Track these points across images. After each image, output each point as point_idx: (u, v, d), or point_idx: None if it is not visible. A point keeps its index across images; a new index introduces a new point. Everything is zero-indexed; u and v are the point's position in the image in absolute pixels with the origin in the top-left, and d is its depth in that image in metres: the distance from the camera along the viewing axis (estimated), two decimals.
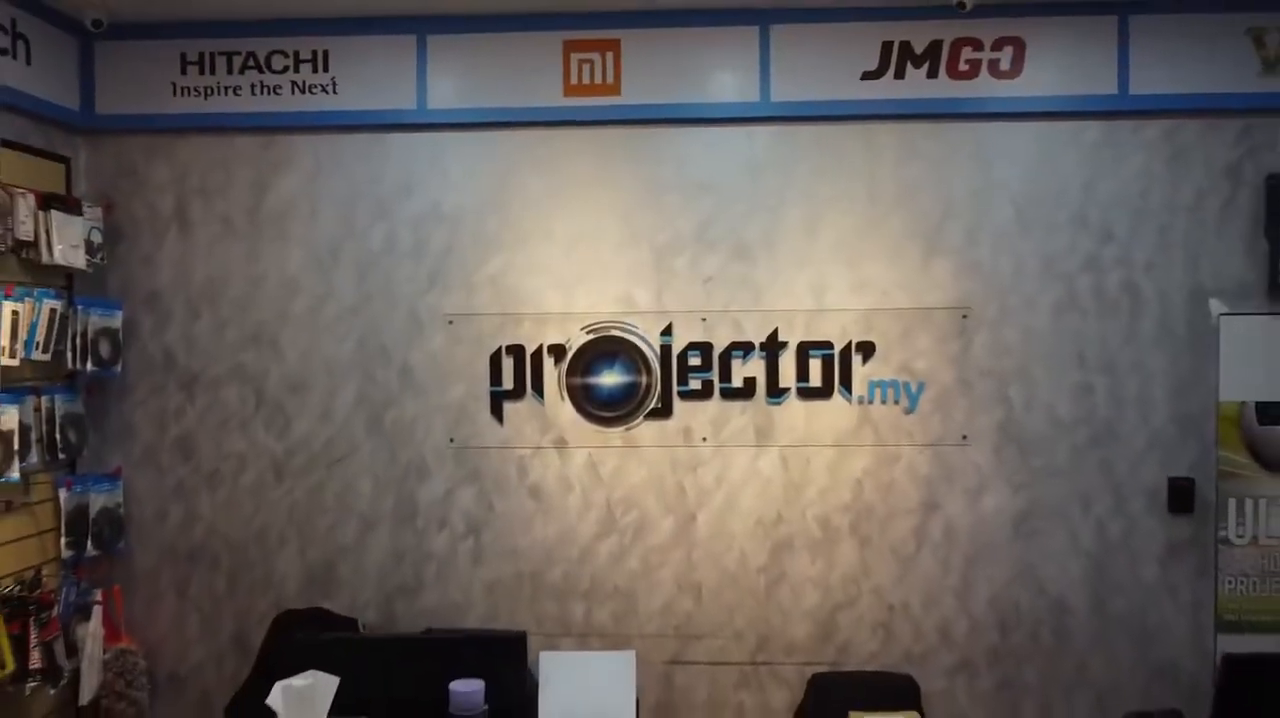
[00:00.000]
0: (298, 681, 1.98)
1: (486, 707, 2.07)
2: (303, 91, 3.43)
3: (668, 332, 3.43)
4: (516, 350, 3.46)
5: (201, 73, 3.44)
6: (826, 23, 3.32)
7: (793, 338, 3.41)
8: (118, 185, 3.48)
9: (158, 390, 3.50)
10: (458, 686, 2.07)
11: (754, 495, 3.43)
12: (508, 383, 3.45)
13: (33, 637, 2.94)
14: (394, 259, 3.48)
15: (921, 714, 2.99)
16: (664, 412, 3.43)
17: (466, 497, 3.48)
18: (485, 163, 3.46)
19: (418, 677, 2.12)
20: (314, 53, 3.42)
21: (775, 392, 3.41)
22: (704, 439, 3.43)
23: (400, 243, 3.48)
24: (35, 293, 2.99)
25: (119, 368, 3.41)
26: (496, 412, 3.46)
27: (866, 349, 3.40)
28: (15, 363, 2.90)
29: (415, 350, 3.48)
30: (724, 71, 3.38)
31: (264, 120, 3.45)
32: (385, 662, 2.17)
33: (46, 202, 3.07)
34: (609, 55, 3.39)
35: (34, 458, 3.02)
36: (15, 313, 2.87)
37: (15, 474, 2.87)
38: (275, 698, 1.95)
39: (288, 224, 3.49)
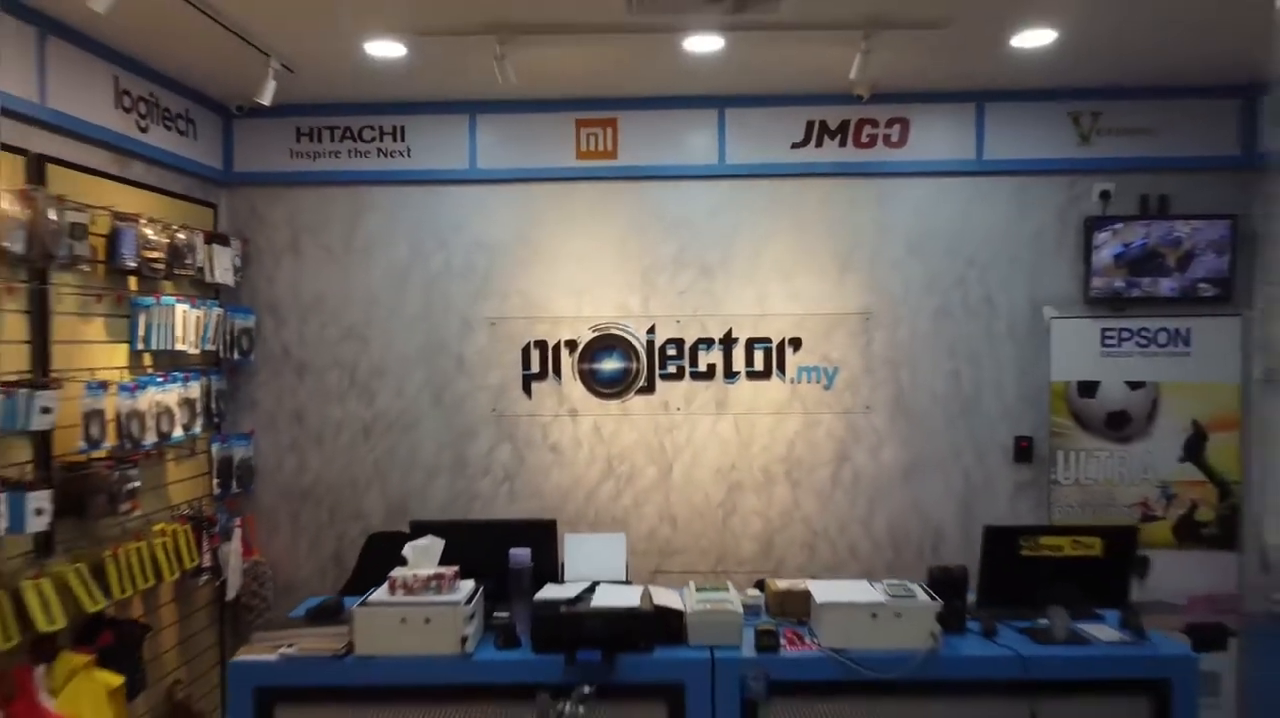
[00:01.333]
0: (421, 541, 3.22)
1: (532, 564, 3.32)
2: (385, 155, 4.69)
3: (652, 330, 4.69)
4: (541, 344, 4.71)
5: (310, 141, 4.70)
6: (765, 107, 4.57)
7: (743, 335, 4.66)
8: (248, 224, 4.74)
9: (277, 374, 4.76)
10: (514, 551, 3.32)
11: (714, 451, 4.69)
12: (535, 368, 4.71)
13: (205, 545, 4.20)
14: (449, 278, 4.73)
15: None
16: (649, 389, 4.69)
17: (504, 452, 4.74)
18: (517, 207, 4.71)
19: (484, 549, 3.36)
20: (394, 127, 4.67)
21: (730, 374, 4.67)
22: (678, 409, 4.68)
23: (454, 266, 4.74)
24: (208, 303, 4.25)
25: (252, 357, 4.67)
26: (526, 389, 4.72)
27: (796, 343, 4.65)
28: (196, 352, 4.16)
29: (466, 345, 4.74)
30: (692, 141, 4.64)
31: (355, 176, 4.71)
32: (460, 539, 3.41)
33: (210, 238, 4.32)
34: (609, 129, 4.64)
35: (200, 421, 4.27)
36: (199, 318, 4.13)
37: (197, 429, 4.14)
38: (407, 550, 3.19)
39: (372, 253, 4.75)
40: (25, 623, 3.08)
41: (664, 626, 3.17)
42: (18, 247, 3.13)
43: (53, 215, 3.25)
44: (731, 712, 3.05)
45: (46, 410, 3.15)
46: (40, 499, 3.12)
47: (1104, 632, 3.26)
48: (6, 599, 3.04)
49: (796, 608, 3.39)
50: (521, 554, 3.33)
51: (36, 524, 3.10)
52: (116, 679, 3.39)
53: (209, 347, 4.27)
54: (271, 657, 3.07)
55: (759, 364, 4.66)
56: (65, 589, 3.27)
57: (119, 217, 3.67)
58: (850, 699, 3.04)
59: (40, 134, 3.39)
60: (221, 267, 4.39)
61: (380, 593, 3.16)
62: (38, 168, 3.35)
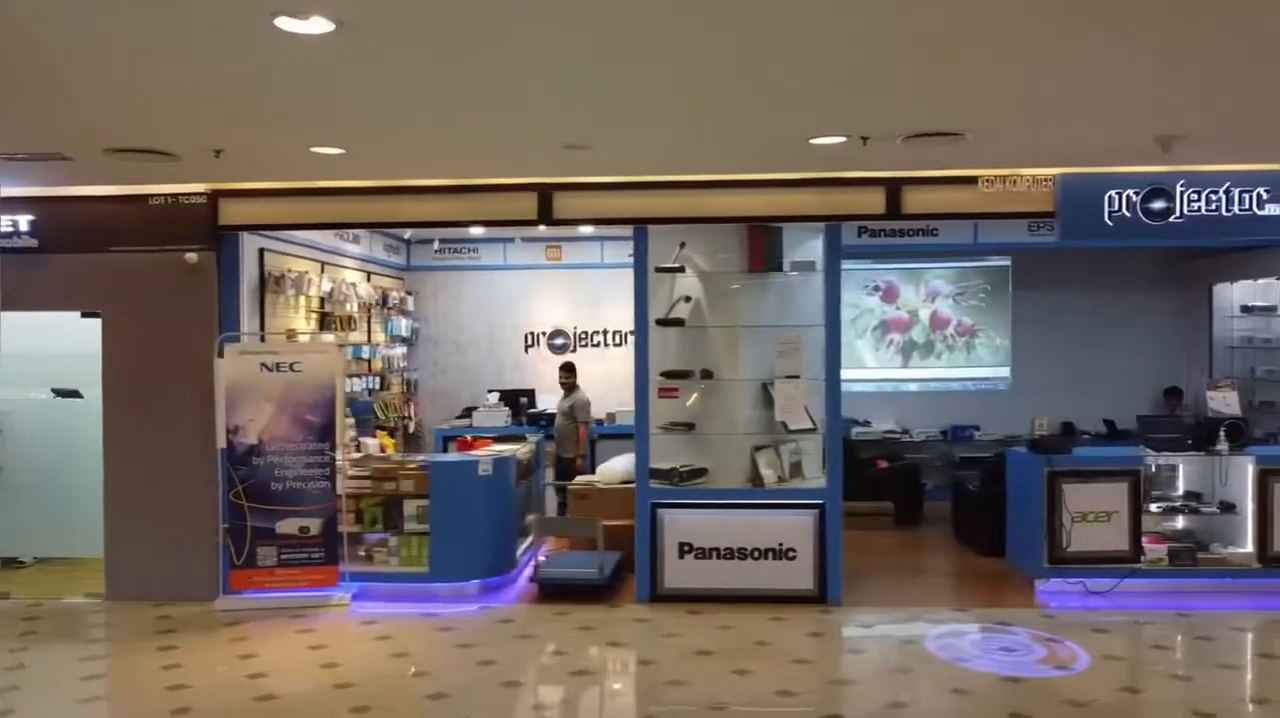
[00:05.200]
0: (492, 395, 10.32)
1: (527, 401, 10.47)
2: (470, 258, 11.83)
3: (575, 328, 11.82)
4: (531, 333, 11.86)
5: (440, 253, 11.85)
6: (616, 241, 11.68)
7: (610, 328, 11.79)
8: (415, 285, 11.91)
9: (426, 345, 11.92)
10: (522, 398, 10.46)
11: (599, 374, 11.81)
12: (529, 343, 11.87)
13: (406, 409, 11.36)
14: (496, 308, 11.87)
15: None
16: (575, 349, 11.83)
17: (516, 375, 11.87)
18: (522, 282, 11.84)
19: (513, 398, 10.48)
20: (475, 247, 11.82)
21: (605, 345, 11.81)
22: (589, 355, 11.82)
23: (498, 305, 11.87)
24: (408, 319, 11.46)
25: (417, 338, 11.84)
26: (526, 350, 11.87)
27: (632, 332, 11.78)
28: (405, 336, 11.35)
29: (504, 333, 11.88)
30: (590, 254, 11.76)
31: (459, 267, 11.85)
32: (504, 395, 10.50)
33: (406, 293, 11.49)
34: (560, 248, 11.77)
35: (402, 362, 11.40)
36: (406, 323, 11.31)
37: (399, 365, 11.31)
38: (489, 397, 10.29)
39: (465, 298, 11.90)
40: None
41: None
42: (365, 302, 10.28)
43: (371, 292, 10.40)
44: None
45: (376, 354, 10.35)
46: (373, 382, 10.32)
47: None
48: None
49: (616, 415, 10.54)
50: (525, 399, 10.53)
51: (372, 387, 10.32)
52: (391, 441, 10.52)
53: (407, 334, 11.45)
54: (446, 426, 10.28)
55: (616, 340, 11.78)
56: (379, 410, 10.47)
57: (385, 290, 10.84)
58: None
59: (371, 264, 10.56)
60: (411, 304, 11.57)
61: (483, 407, 10.36)
62: (369, 276, 10.54)
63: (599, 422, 10.44)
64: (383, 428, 10.52)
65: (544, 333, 11.91)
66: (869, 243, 10.21)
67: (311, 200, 7.15)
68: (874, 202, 7.06)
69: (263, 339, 7.87)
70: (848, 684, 5.47)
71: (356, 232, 10.10)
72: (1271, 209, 6.71)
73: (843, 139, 5.69)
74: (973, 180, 6.92)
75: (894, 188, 7.00)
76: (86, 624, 7.01)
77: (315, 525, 7.23)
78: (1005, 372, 11.56)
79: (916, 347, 11.63)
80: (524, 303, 11.92)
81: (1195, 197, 6.75)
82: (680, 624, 6.69)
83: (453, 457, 7.85)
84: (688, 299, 7.73)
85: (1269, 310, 10.10)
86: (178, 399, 7.25)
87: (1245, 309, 10.51)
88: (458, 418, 10.79)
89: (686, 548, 7.23)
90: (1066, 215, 6.85)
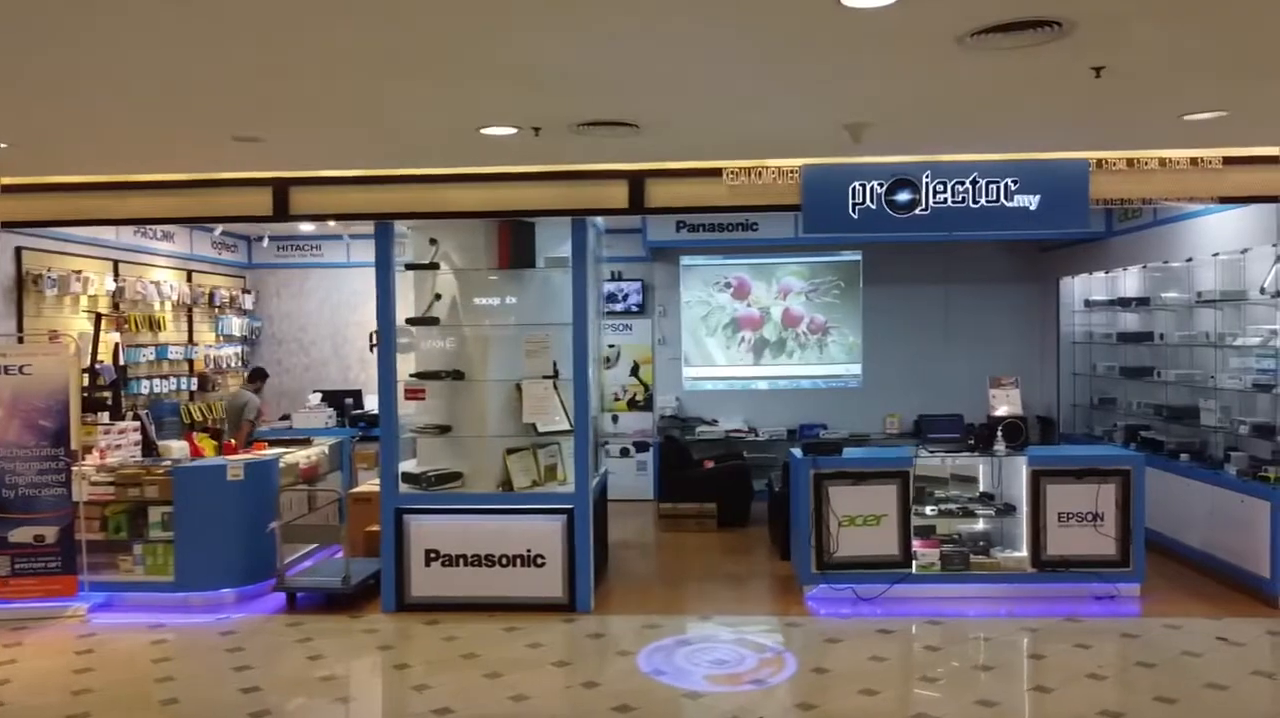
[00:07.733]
0: (314, 396, 10.08)
1: (353, 400, 10.22)
2: (313, 255, 11.58)
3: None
4: (375, 332, 11.59)
5: (282, 250, 11.59)
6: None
7: None
8: (257, 284, 11.65)
9: (270, 343, 11.67)
10: (347, 399, 10.21)
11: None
12: (371, 340, 11.58)
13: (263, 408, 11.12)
14: (339, 306, 11.62)
15: None
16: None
17: (361, 374, 11.60)
18: (367, 279, 11.54)
19: (343, 395, 10.23)
20: (318, 244, 11.57)
21: None
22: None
23: (342, 301, 11.62)
24: (246, 318, 11.18)
25: (259, 336, 11.58)
26: (371, 349, 11.58)
27: None
28: (240, 335, 11.09)
29: (348, 331, 11.63)
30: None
31: (302, 264, 11.61)
32: (335, 395, 10.26)
33: (244, 291, 11.23)
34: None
35: (239, 360, 11.15)
36: (242, 323, 11.05)
37: (237, 364, 11.06)
38: (310, 398, 10.05)
39: (309, 295, 11.65)
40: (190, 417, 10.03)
41: None
42: (182, 301, 10.04)
43: (191, 289, 10.15)
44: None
45: (196, 353, 10.09)
46: (188, 383, 10.07)
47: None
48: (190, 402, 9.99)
49: None
50: (351, 399, 10.27)
51: (190, 388, 10.06)
52: (211, 443, 10.27)
53: (244, 333, 11.20)
54: (266, 429, 10.04)
55: None
56: (198, 410, 10.22)
57: (214, 287, 10.58)
58: None
59: (193, 262, 10.31)
60: (249, 303, 11.31)
61: (304, 408, 10.10)
62: (189, 274, 10.28)
63: None
64: (206, 430, 10.28)
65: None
66: (689, 238, 9.99)
67: (38, 196, 6.88)
68: (617, 195, 6.78)
69: (20, 341, 7.64)
70: (521, 701, 5.21)
71: (170, 228, 9.86)
72: (1020, 200, 6.43)
73: (513, 130, 5.42)
74: (717, 173, 6.64)
75: (636, 180, 6.72)
76: None
77: (51, 533, 6.99)
78: (856, 368, 11.30)
79: (768, 344, 11.37)
80: (369, 301, 11.63)
81: (941, 188, 6.46)
82: (405, 636, 6.44)
83: (199, 462, 7.60)
84: (438, 297, 7.47)
85: (1109, 305, 9.81)
86: None
87: (1088, 304, 10.23)
88: (279, 420, 10.54)
89: (433, 555, 6.97)
90: (810, 208, 6.56)
